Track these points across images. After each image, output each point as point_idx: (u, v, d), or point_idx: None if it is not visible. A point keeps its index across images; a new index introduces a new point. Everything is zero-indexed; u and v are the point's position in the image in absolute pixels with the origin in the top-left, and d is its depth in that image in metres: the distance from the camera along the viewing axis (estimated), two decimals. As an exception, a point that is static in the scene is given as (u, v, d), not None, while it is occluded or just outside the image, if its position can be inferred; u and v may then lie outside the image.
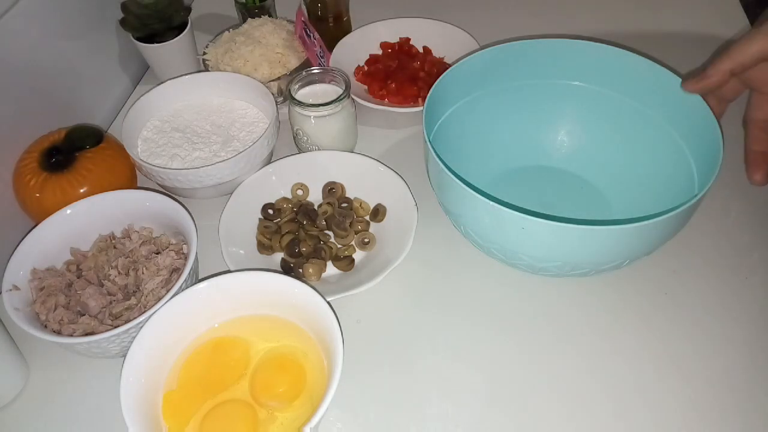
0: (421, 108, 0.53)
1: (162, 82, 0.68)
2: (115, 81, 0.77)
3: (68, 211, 0.54)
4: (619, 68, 0.58)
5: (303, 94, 0.65)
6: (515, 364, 0.51)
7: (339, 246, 0.59)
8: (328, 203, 0.60)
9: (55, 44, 0.65)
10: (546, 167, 0.64)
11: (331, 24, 0.78)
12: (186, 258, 0.53)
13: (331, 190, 0.62)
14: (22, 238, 0.52)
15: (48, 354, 0.53)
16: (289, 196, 0.63)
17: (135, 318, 0.46)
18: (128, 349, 0.42)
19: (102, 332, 0.46)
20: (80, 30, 0.69)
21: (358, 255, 0.58)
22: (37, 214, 0.55)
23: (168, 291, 0.47)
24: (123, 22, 0.72)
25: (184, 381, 0.45)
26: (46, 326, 0.49)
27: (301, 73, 0.65)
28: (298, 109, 0.62)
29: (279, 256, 0.59)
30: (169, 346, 0.45)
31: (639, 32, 0.80)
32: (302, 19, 0.70)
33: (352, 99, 0.66)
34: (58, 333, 0.48)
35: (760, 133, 0.49)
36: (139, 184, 0.64)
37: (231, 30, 0.75)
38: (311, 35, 0.72)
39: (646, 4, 0.86)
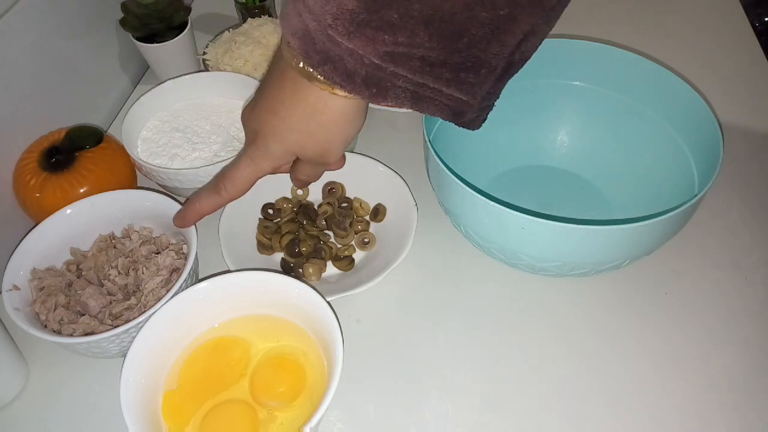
0: (421, 108, 0.53)
1: (162, 82, 0.68)
2: (115, 81, 0.77)
3: (68, 211, 0.54)
4: (619, 68, 0.58)
5: (303, 94, 0.64)
6: (515, 363, 0.51)
7: (339, 246, 0.59)
8: (328, 203, 0.60)
9: (55, 44, 0.65)
10: (546, 167, 0.64)
11: (331, 24, 0.78)
12: (186, 258, 0.53)
13: (331, 190, 0.62)
14: (22, 238, 0.52)
15: (48, 354, 0.53)
16: (289, 196, 0.63)
17: (135, 318, 0.46)
18: (128, 349, 0.42)
19: (102, 332, 0.46)
20: (80, 30, 0.69)
21: (358, 255, 0.58)
22: (37, 214, 0.55)
23: (168, 291, 0.47)
24: (123, 22, 0.72)
25: (184, 381, 0.45)
26: (46, 326, 0.49)
27: (301, 73, 0.65)
28: (298, 109, 0.62)
29: (279, 256, 0.59)
30: (169, 346, 0.45)
31: (639, 32, 0.80)
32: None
33: (352, 99, 0.65)
34: (58, 333, 0.48)
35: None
36: (139, 184, 0.64)
37: (231, 30, 0.75)
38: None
39: (646, 5, 0.86)
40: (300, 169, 0.46)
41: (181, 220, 0.51)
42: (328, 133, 0.40)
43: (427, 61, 0.34)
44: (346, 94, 0.36)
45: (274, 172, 0.46)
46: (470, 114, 0.39)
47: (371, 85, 0.35)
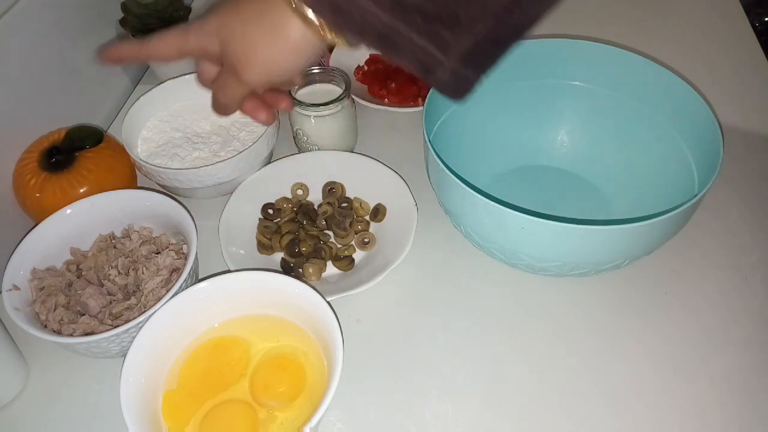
0: (421, 108, 0.53)
1: (162, 82, 0.68)
2: (115, 81, 0.77)
3: (68, 211, 0.54)
4: (619, 68, 0.58)
5: (303, 94, 0.65)
6: (515, 363, 0.51)
7: (339, 246, 0.59)
8: (328, 203, 0.60)
9: (55, 44, 0.65)
10: (546, 167, 0.64)
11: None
12: (186, 258, 0.53)
13: (331, 190, 0.62)
14: (22, 238, 0.52)
15: (48, 354, 0.53)
16: (289, 196, 0.63)
17: (135, 318, 0.46)
18: (128, 349, 0.42)
19: (102, 332, 0.46)
20: (80, 30, 0.69)
21: (358, 255, 0.58)
22: (37, 214, 0.55)
23: (168, 291, 0.47)
24: (123, 22, 0.72)
25: (184, 381, 0.45)
26: (46, 326, 0.49)
27: (301, 73, 0.65)
28: (298, 109, 0.62)
29: (279, 256, 0.59)
30: (169, 346, 0.45)
31: (639, 32, 0.80)
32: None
33: (352, 99, 0.66)
34: (58, 333, 0.48)
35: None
36: (139, 184, 0.64)
37: (231, 30, 0.74)
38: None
39: (647, 5, 0.86)
40: (218, 77, 0.43)
41: (103, 55, 0.47)
42: (260, 40, 0.38)
43: (400, 1, 0.33)
44: (308, 14, 0.35)
45: (201, 75, 0.44)
46: (441, 74, 0.36)
47: (338, 13, 0.34)
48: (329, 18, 0.34)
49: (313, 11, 0.35)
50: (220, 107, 0.45)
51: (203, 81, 0.45)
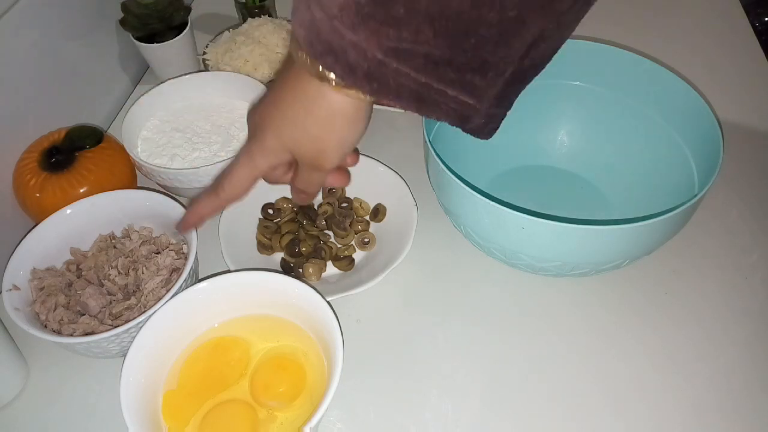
0: (421, 108, 0.53)
1: (162, 82, 0.68)
2: (115, 81, 0.77)
3: (68, 211, 0.54)
4: (619, 68, 0.58)
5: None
6: (515, 363, 0.51)
7: (339, 246, 0.59)
8: (328, 203, 0.60)
9: (55, 44, 0.65)
10: (546, 167, 0.64)
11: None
12: (186, 258, 0.53)
13: (331, 190, 0.62)
14: (22, 238, 0.52)
15: (48, 354, 0.53)
16: (289, 196, 0.63)
17: (135, 318, 0.46)
18: (128, 349, 0.42)
19: (102, 332, 0.46)
20: (80, 30, 0.69)
21: (358, 255, 0.58)
22: (37, 214, 0.55)
23: (168, 291, 0.47)
24: (123, 22, 0.72)
25: (184, 381, 0.45)
26: (46, 326, 0.49)
27: (301, 73, 0.65)
28: (298, 109, 0.62)
29: (279, 256, 0.59)
30: (169, 346, 0.45)
31: (639, 32, 0.80)
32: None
33: (352, 99, 0.65)
34: (58, 333, 0.48)
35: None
36: (139, 184, 0.64)
37: (231, 30, 0.75)
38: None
39: (646, 5, 0.86)
40: (296, 175, 0.44)
41: (183, 225, 0.49)
42: (323, 131, 0.39)
43: (431, 59, 0.33)
44: (348, 89, 0.36)
45: (272, 180, 0.45)
46: (477, 120, 0.38)
47: (373, 80, 0.35)
48: (366, 87, 0.35)
49: (351, 85, 0.35)
50: (307, 198, 0.46)
51: (271, 181, 0.45)
